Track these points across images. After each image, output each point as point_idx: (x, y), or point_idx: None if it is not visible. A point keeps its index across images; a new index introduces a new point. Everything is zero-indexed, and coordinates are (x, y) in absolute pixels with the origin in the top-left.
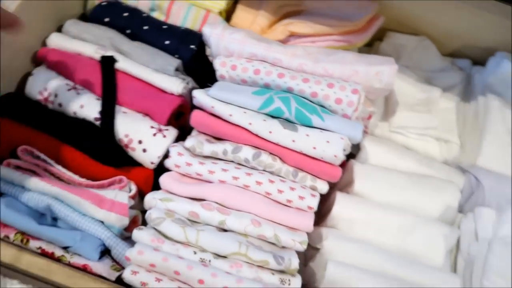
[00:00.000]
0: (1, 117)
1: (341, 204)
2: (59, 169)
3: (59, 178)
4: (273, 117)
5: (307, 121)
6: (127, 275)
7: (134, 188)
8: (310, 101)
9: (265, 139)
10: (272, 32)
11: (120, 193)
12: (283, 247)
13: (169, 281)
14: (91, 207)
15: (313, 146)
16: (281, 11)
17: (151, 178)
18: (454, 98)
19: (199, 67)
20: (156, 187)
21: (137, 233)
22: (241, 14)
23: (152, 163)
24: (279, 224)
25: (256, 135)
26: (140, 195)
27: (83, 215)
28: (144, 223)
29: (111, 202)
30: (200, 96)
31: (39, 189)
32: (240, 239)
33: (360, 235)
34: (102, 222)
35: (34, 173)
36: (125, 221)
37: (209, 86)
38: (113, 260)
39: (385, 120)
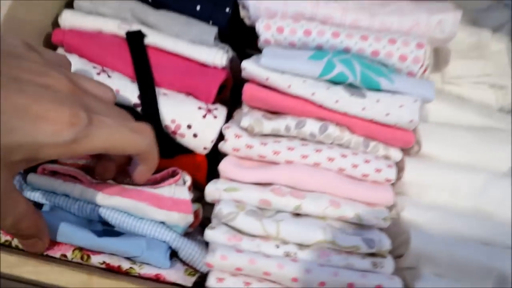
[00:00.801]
0: None
1: (411, 170)
2: None
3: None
4: (335, 83)
5: (375, 84)
6: (212, 284)
7: (188, 179)
8: (371, 61)
9: (330, 110)
10: None
11: (178, 188)
12: (365, 226)
13: (258, 282)
14: (149, 209)
15: (386, 113)
16: None
17: (205, 164)
18: (504, 39)
19: (235, 33)
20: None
21: (210, 234)
22: None
23: (205, 148)
24: (357, 201)
25: (320, 106)
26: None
27: (140, 219)
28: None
29: (171, 201)
30: (251, 67)
31: (87, 198)
32: (321, 224)
33: (432, 199)
34: (163, 223)
35: (73, 178)
36: (190, 219)
37: (250, 54)
38: (183, 262)
39: (436, 71)
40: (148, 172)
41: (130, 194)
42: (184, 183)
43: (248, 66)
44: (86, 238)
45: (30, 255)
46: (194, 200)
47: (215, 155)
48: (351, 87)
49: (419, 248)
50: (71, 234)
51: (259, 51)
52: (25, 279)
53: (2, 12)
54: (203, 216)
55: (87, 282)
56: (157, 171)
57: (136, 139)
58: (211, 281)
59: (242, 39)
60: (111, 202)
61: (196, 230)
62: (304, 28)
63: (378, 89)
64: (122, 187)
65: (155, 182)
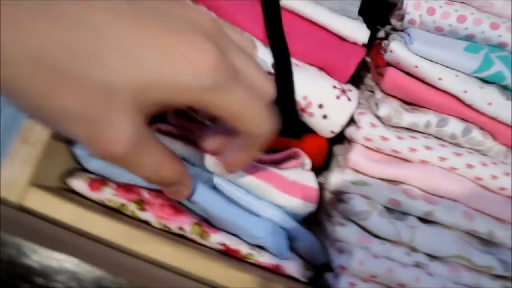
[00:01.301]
0: None
1: None
2: None
3: None
4: (488, 82)
5: None
6: (343, 287)
7: (308, 163)
8: None
9: (478, 111)
10: None
11: (305, 173)
12: (494, 244)
13: None
14: (272, 191)
15: None
16: None
17: (326, 149)
18: None
19: (374, 7)
20: None
21: (342, 231)
22: None
23: (332, 132)
24: (490, 216)
25: (469, 106)
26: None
27: (259, 199)
28: None
29: (296, 185)
30: (401, 51)
31: (206, 166)
32: (455, 237)
33: None
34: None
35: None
36: (312, 208)
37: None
38: (297, 254)
39: None
40: (248, 160)
41: (255, 171)
42: (303, 166)
43: (398, 50)
44: (213, 201)
45: (152, 231)
46: None
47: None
48: (507, 90)
49: None
50: (200, 191)
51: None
52: (151, 258)
53: None
54: None
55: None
56: (275, 150)
57: (266, 118)
58: (342, 285)
59: (375, 14)
60: (234, 175)
61: None
62: (458, 13)
63: None
64: None
65: (274, 161)
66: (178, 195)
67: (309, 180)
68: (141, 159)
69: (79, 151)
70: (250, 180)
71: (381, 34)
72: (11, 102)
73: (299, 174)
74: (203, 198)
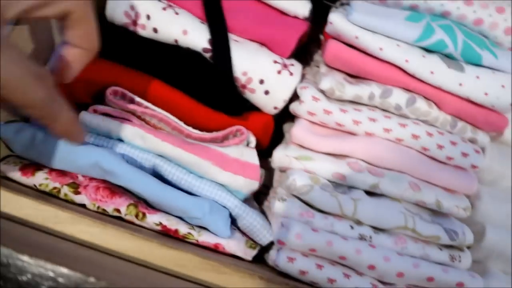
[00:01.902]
0: None
1: (489, 155)
2: (163, 114)
3: (160, 129)
4: (430, 51)
5: (476, 58)
6: (282, 263)
7: (253, 141)
8: (471, 30)
9: (422, 81)
10: None
11: (247, 150)
12: (442, 214)
13: (330, 265)
14: (213, 169)
15: (484, 92)
16: None
17: (271, 125)
18: None
19: None
20: None
21: (281, 206)
22: None
23: (275, 108)
24: (438, 186)
25: (412, 76)
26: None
27: (200, 178)
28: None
29: (237, 163)
30: (340, 22)
31: (146, 145)
32: (400, 208)
33: (506, 188)
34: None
35: (125, 120)
36: (255, 186)
37: (327, 6)
38: (241, 232)
39: None
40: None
41: (194, 149)
42: (247, 144)
43: (337, 21)
44: (147, 182)
45: (85, 213)
46: None
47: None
48: (449, 58)
49: (492, 242)
50: (132, 175)
51: (333, 3)
52: (79, 239)
53: None
54: None
55: (143, 249)
56: (218, 129)
57: (30, 85)
58: (280, 260)
59: None
60: (173, 153)
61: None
62: None
63: (478, 64)
64: (184, 140)
65: (216, 140)
66: (70, 135)
67: (251, 157)
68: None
69: (3, 135)
70: (189, 158)
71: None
72: None
73: (241, 151)
74: (137, 183)
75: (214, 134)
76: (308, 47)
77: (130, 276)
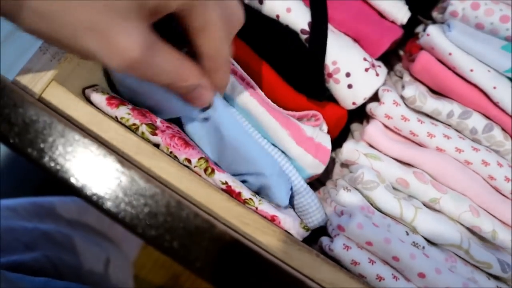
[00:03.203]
0: None
1: None
2: (250, 81)
3: None
4: None
5: None
6: (338, 249)
7: (325, 129)
8: None
9: (504, 111)
10: None
11: (322, 134)
12: (495, 246)
13: (381, 264)
14: (287, 139)
15: None
16: None
17: (344, 120)
18: None
19: None
20: None
21: (345, 196)
22: None
23: (353, 103)
24: (495, 217)
25: (495, 104)
26: None
27: (272, 146)
28: None
29: (311, 141)
30: (437, 35)
31: (233, 95)
32: (458, 228)
33: None
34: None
35: None
36: (321, 169)
37: (419, 21)
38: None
39: None
40: (225, 78)
41: (276, 114)
42: (321, 129)
43: (434, 34)
44: (231, 120)
45: (162, 154)
46: None
47: None
48: None
49: None
50: (220, 108)
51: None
52: (155, 173)
53: None
54: None
55: (214, 198)
56: (295, 110)
57: (226, 42)
58: (337, 245)
59: (416, 2)
60: (256, 111)
61: None
62: (503, 13)
63: None
64: (270, 103)
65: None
66: (201, 99)
67: (325, 140)
68: (157, 62)
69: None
70: (269, 121)
71: (419, 30)
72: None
73: (317, 132)
74: (222, 116)
75: (291, 112)
76: (389, 58)
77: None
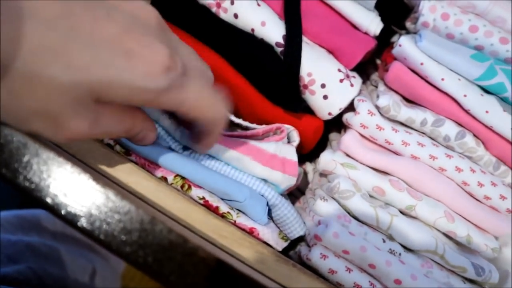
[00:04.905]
0: None
1: None
2: None
3: None
4: (488, 92)
5: None
6: (315, 258)
7: (297, 139)
8: None
9: (475, 118)
10: None
11: (286, 147)
12: (470, 250)
13: (358, 272)
14: (252, 164)
15: None
16: None
17: (321, 130)
18: None
19: (387, 4)
20: None
21: (322, 205)
22: None
23: (329, 114)
24: (471, 222)
25: (467, 111)
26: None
27: (241, 171)
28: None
29: (276, 159)
30: (409, 46)
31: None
32: (433, 234)
33: None
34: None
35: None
36: (292, 182)
37: (389, 36)
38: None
39: None
40: (213, 142)
41: (234, 145)
42: (289, 142)
43: (406, 44)
44: (192, 167)
45: (139, 169)
46: None
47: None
48: (505, 102)
49: None
50: (176, 161)
51: (399, 29)
52: (132, 189)
53: None
54: None
55: (191, 212)
56: (271, 122)
57: (219, 105)
58: (314, 255)
59: (389, 13)
60: (213, 150)
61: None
62: (471, 23)
63: None
64: (225, 137)
65: (256, 136)
66: (145, 140)
67: (290, 153)
68: (102, 128)
69: None
70: (229, 153)
71: (394, 39)
72: None
73: (280, 147)
74: (184, 168)
75: (255, 131)
76: (365, 67)
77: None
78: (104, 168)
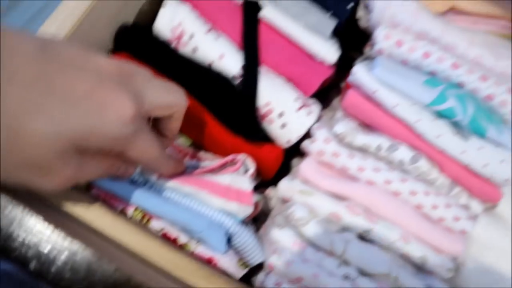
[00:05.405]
0: (118, 51)
1: (481, 225)
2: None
3: None
4: (441, 116)
5: (481, 131)
6: (270, 285)
7: (252, 167)
8: (482, 104)
9: (428, 142)
10: (431, 1)
11: (239, 177)
12: (426, 271)
13: None
14: (209, 198)
15: (484, 163)
16: None
17: (281, 158)
18: None
19: (346, 31)
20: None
21: (277, 234)
22: None
23: (288, 141)
24: (427, 243)
25: (419, 136)
26: (262, 173)
27: (199, 203)
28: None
29: (231, 190)
30: (362, 74)
31: (146, 178)
32: (387, 256)
33: (491, 261)
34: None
35: None
36: (249, 211)
37: (350, 60)
38: (235, 252)
39: None
40: (177, 129)
41: (189, 181)
42: (246, 171)
43: (359, 73)
44: (152, 200)
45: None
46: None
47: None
48: (456, 126)
49: None
50: (136, 194)
51: (359, 54)
52: (89, 223)
53: None
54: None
55: (147, 245)
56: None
57: (166, 160)
58: (269, 283)
59: (348, 38)
60: (172, 186)
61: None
62: (424, 50)
63: (483, 136)
64: (182, 175)
65: (213, 170)
66: (127, 174)
67: (244, 184)
68: (86, 172)
69: None
70: (187, 189)
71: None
72: None
73: (234, 179)
74: (144, 200)
75: (211, 166)
76: (328, 91)
77: (133, 267)
78: (61, 205)
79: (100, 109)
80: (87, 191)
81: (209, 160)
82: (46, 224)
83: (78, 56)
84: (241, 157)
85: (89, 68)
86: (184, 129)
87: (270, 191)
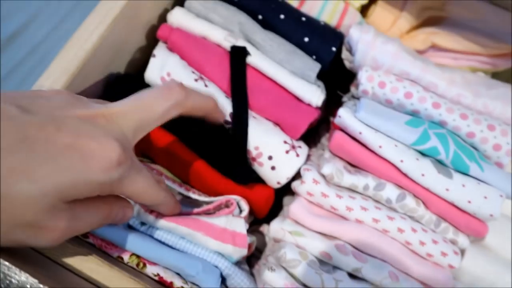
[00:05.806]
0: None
1: (470, 257)
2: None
3: None
4: (424, 155)
5: (464, 168)
6: None
7: (246, 209)
8: (463, 141)
9: (413, 181)
10: (411, 40)
11: (235, 220)
12: None
13: None
14: (204, 239)
15: (468, 200)
16: (422, 15)
17: (272, 198)
18: None
19: (332, 73)
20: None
21: (269, 276)
22: (382, 13)
23: (278, 183)
24: (415, 279)
25: (404, 175)
26: (255, 213)
27: (195, 244)
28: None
29: (226, 232)
30: (347, 117)
31: (142, 219)
32: None
33: None
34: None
35: None
36: (244, 253)
37: (339, 95)
38: None
39: None
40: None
41: (186, 222)
42: (241, 211)
43: (345, 115)
44: (146, 245)
45: (93, 251)
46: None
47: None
48: (440, 164)
49: None
50: (131, 240)
51: (345, 92)
52: (85, 274)
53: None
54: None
55: None
56: (224, 193)
57: (160, 194)
58: None
59: (333, 79)
60: (167, 227)
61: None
62: (406, 90)
63: (466, 173)
64: (178, 215)
65: (208, 212)
66: (125, 218)
67: (239, 226)
68: (82, 221)
69: None
70: (182, 230)
71: (345, 99)
72: None
73: (229, 221)
74: (138, 246)
75: (206, 207)
76: (318, 127)
77: None
78: (57, 257)
79: (83, 159)
80: (83, 239)
81: (199, 195)
82: (36, 281)
83: (57, 109)
84: (235, 198)
85: (68, 118)
86: (177, 173)
87: (264, 228)
